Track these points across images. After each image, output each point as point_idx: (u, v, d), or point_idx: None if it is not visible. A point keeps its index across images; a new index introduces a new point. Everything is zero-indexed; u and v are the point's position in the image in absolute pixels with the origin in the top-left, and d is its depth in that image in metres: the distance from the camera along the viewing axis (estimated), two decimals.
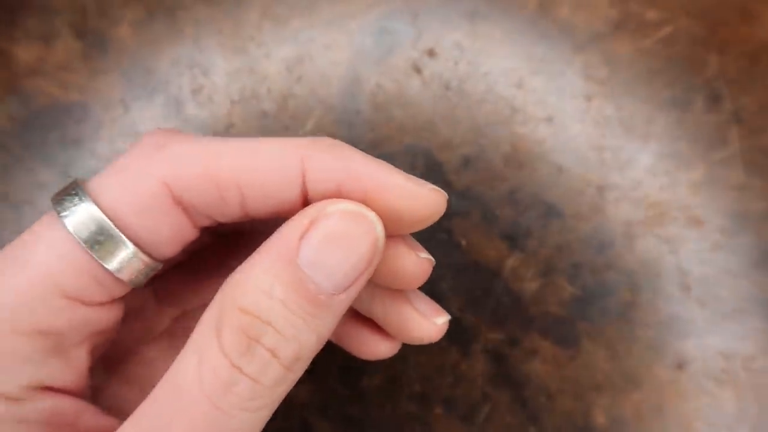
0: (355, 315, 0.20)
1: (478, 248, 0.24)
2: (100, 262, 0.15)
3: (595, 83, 0.25)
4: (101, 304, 0.16)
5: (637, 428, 0.23)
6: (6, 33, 0.25)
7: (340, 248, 0.14)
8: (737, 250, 0.24)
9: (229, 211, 0.16)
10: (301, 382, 0.23)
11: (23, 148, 0.25)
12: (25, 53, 0.25)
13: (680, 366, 0.24)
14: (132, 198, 0.15)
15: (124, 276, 0.15)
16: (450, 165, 0.25)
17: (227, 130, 0.25)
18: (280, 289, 0.14)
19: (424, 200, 0.15)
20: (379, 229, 0.15)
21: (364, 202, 0.15)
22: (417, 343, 0.19)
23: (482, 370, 0.24)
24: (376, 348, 0.19)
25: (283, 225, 0.15)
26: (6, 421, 0.15)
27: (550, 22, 0.25)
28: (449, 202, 0.24)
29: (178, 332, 0.20)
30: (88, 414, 0.16)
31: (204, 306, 0.19)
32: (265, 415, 0.14)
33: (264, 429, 0.15)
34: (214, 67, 0.25)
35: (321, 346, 0.15)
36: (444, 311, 0.19)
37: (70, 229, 0.15)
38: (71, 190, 0.15)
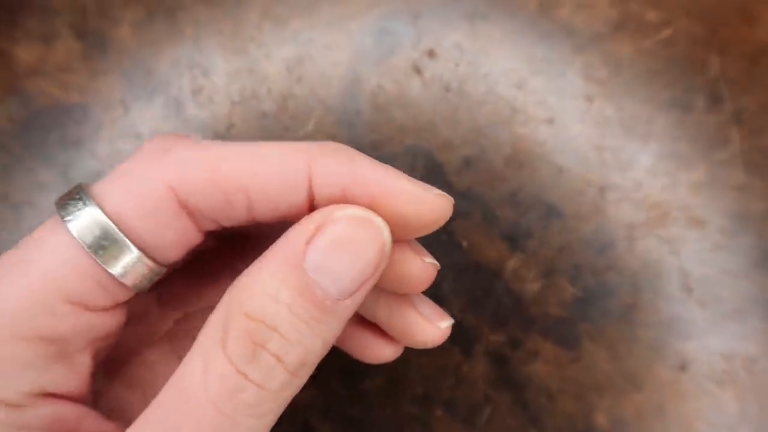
0: (359, 319, 0.20)
1: (479, 249, 0.24)
2: (105, 267, 0.15)
3: (595, 84, 0.25)
4: (105, 309, 0.16)
5: (638, 429, 0.23)
6: (6, 33, 0.25)
7: (347, 253, 0.14)
8: (738, 250, 0.24)
9: (234, 215, 0.16)
10: None
11: (23, 149, 0.25)
12: (25, 54, 0.25)
13: (681, 367, 0.23)
14: (137, 202, 0.15)
15: (129, 281, 0.15)
16: (451, 166, 0.25)
17: (227, 130, 0.25)
18: (287, 294, 0.14)
19: (431, 205, 0.15)
20: (386, 235, 0.15)
21: (371, 206, 0.15)
22: (420, 347, 0.19)
23: (483, 371, 0.24)
24: (380, 352, 0.19)
25: (289, 229, 0.15)
26: (7, 427, 0.14)
27: (550, 22, 0.25)
28: None
29: (180, 335, 0.19)
30: (90, 420, 0.16)
31: (206, 309, 0.19)
32: (270, 420, 0.14)
33: None
34: (214, 67, 0.25)
35: (326, 351, 0.15)
36: (447, 315, 0.19)
37: (74, 233, 0.14)
38: (75, 195, 0.15)
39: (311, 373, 0.15)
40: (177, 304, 0.20)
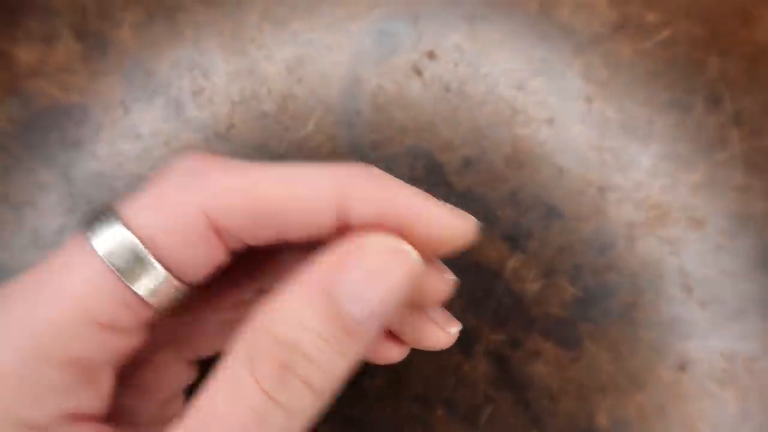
0: None
1: (480, 249, 0.24)
2: (133, 289, 0.15)
3: (595, 85, 0.25)
4: (130, 329, 0.16)
5: (639, 429, 0.23)
6: (7, 34, 0.25)
7: (377, 282, 0.14)
8: (738, 251, 0.24)
9: (264, 236, 0.16)
10: None
11: (24, 150, 0.25)
12: (25, 54, 0.25)
13: (682, 367, 0.23)
14: (167, 225, 0.15)
15: (155, 302, 0.15)
16: (451, 166, 0.25)
17: (227, 131, 0.25)
18: (316, 320, 0.14)
19: (460, 229, 0.16)
20: (418, 265, 0.15)
21: (401, 228, 0.15)
22: (428, 349, 0.19)
23: (484, 371, 0.24)
24: (389, 353, 0.20)
25: (319, 255, 0.15)
26: None
27: (550, 23, 0.25)
28: (450, 203, 0.24)
29: (185, 337, 0.19)
30: None
31: (214, 313, 0.19)
32: None
33: None
34: (214, 68, 0.25)
35: (351, 371, 0.15)
36: (456, 320, 0.19)
37: (103, 254, 0.14)
38: (103, 214, 0.15)
39: (336, 393, 0.15)
40: (183, 311, 0.20)
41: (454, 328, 0.19)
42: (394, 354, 0.20)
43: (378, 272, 0.14)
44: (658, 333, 0.24)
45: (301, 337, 0.14)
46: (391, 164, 0.25)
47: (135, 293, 0.15)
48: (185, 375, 0.19)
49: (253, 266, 0.19)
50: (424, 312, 0.18)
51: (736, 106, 0.24)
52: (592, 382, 0.24)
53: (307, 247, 0.16)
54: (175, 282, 0.15)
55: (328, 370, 0.14)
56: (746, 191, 0.24)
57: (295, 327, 0.14)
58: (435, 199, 0.16)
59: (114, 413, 0.17)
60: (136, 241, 0.14)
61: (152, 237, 0.15)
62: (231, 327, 0.19)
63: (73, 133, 0.25)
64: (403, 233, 0.15)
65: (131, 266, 0.14)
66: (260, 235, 0.16)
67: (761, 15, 0.25)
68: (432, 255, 0.16)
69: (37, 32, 0.25)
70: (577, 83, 0.25)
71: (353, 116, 0.25)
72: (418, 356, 0.24)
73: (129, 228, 0.15)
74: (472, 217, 0.16)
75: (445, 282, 0.17)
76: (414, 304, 0.18)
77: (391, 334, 0.19)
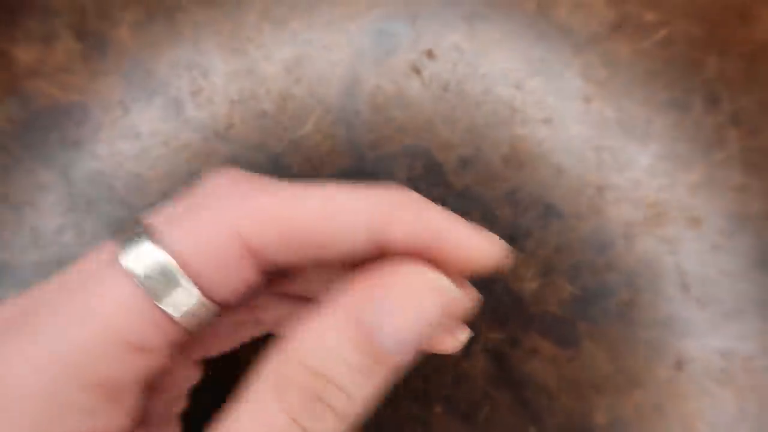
0: None
1: None
2: (166, 311, 0.14)
3: (594, 84, 0.25)
4: (159, 348, 0.15)
5: (637, 428, 0.23)
6: (6, 34, 0.25)
7: (413, 315, 0.14)
8: (736, 250, 0.24)
9: (296, 258, 0.16)
10: None
11: (23, 150, 0.25)
12: (25, 54, 0.25)
13: (680, 366, 0.23)
14: (201, 246, 0.15)
15: (185, 322, 0.15)
16: (449, 165, 0.25)
17: (226, 131, 0.25)
18: (348, 350, 0.14)
19: (491, 254, 0.16)
20: (452, 296, 0.15)
21: (433, 251, 0.15)
22: (436, 352, 0.19)
23: (483, 369, 0.24)
24: None
25: (351, 283, 0.15)
26: None
27: (548, 23, 0.25)
28: (449, 203, 0.24)
29: (195, 339, 0.19)
30: None
31: (223, 318, 0.19)
32: None
33: None
34: (213, 68, 0.25)
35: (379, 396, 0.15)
36: (467, 327, 0.19)
37: (135, 272, 0.14)
38: (136, 231, 0.15)
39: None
40: None
41: (464, 335, 0.19)
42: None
43: (414, 305, 0.14)
44: (656, 332, 0.24)
45: (331, 366, 0.14)
46: (389, 163, 0.25)
47: (166, 314, 0.15)
48: (192, 375, 0.19)
49: (282, 289, 0.19)
50: None
51: (735, 105, 0.25)
52: (591, 381, 0.24)
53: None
54: (207, 302, 0.15)
55: (356, 398, 0.14)
56: (744, 191, 0.24)
57: (325, 356, 0.14)
58: (466, 221, 0.16)
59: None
60: (170, 259, 0.14)
61: (184, 256, 0.14)
62: (243, 328, 0.19)
63: (72, 132, 0.25)
64: (434, 255, 0.15)
65: (163, 285, 0.14)
66: (294, 257, 0.15)
67: (759, 14, 0.25)
68: (461, 276, 0.16)
69: (37, 32, 0.25)
70: (576, 83, 0.25)
71: (352, 116, 0.25)
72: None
73: (162, 246, 0.14)
74: (503, 242, 0.16)
75: (469, 300, 0.17)
76: None
77: None
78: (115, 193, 0.25)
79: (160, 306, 0.14)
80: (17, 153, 0.25)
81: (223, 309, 0.16)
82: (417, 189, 0.25)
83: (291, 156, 0.25)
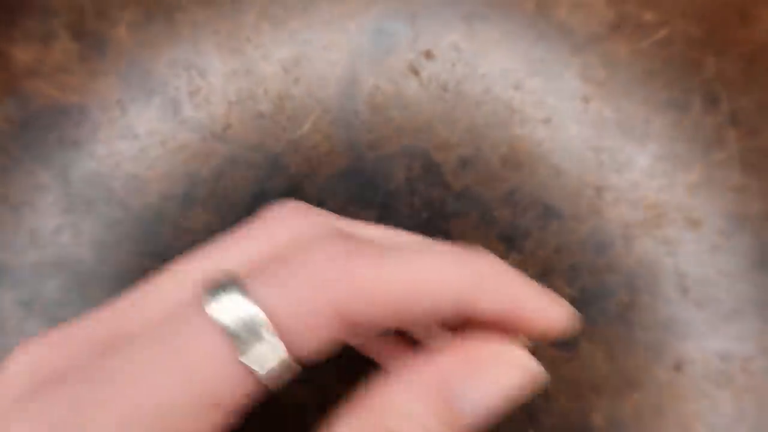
0: (402, 339, 0.20)
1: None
2: (257, 372, 0.14)
3: (593, 85, 0.25)
4: (242, 405, 0.15)
5: (635, 429, 0.23)
6: (4, 34, 0.25)
7: (498, 391, 0.15)
8: (735, 251, 0.24)
9: (381, 323, 0.16)
10: (299, 382, 0.23)
11: (22, 150, 0.25)
12: (23, 54, 0.25)
13: (679, 367, 0.23)
14: (295, 309, 0.14)
15: (267, 380, 0.15)
16: (448, 166, 0.25)
17: (224, 131, 0.25)
18: (429, 416, 0.15)
19: (566, 326, 0.17)
20: (535, 374, 0.16)
21: (512, 320, 0.16)
22: None
23: None
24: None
25: (439, 354, 0.15)
26: None
27: (547, 23, 0.25)
28: (447, 203, 0.24)
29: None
30: None
31: None
32: None
33: (260, 431, 0.15)
34: (211, 68, 0.25)
35: None
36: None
37: (224, 323, 0.14)
38: (228, 285, 0.14)
39: None
40: None
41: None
42: None
43: (501, 383, 0.15)
44: (655, 333, 0.24)
45: (410, 430, 0.14)
46: (388, 164, 0.25)
47: (249, 370, 0.14)
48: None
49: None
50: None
51: (733, 106, 0.24)
52: (589, 382, 0.24)
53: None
54: (291, 361, 0.15)
55: None
56: (743, 191, 0.24)
57: (406, 420, 0.14)
58: (542, 288, 0.17)
59: None
60: (260, 313, 0.14)
61: (275, 313, 0.14)
62: None
63: (71, 133, 0.25)
64: (512, 324, 0.16)
65: (249, 340, 0.14)
66: (380, 323, 0.16)
67: (758, 15, 0.25)
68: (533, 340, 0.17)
69: (35, 32, 0.25)
70: (575, 83, 0.25)
71: (350, 116, 0.25)
72: None
73: (252, 299, 0.14)
74: (573, 310, 0.17)
75: (546, 375, 0.18)
76: None
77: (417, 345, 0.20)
78: (113, 194, 0.25)
79: (245, 362, 0.14)
80: (15, 153, 0.25)
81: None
82: (415, 189, 0.24)
83: (290, 156, 0.25)
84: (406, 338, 0.20)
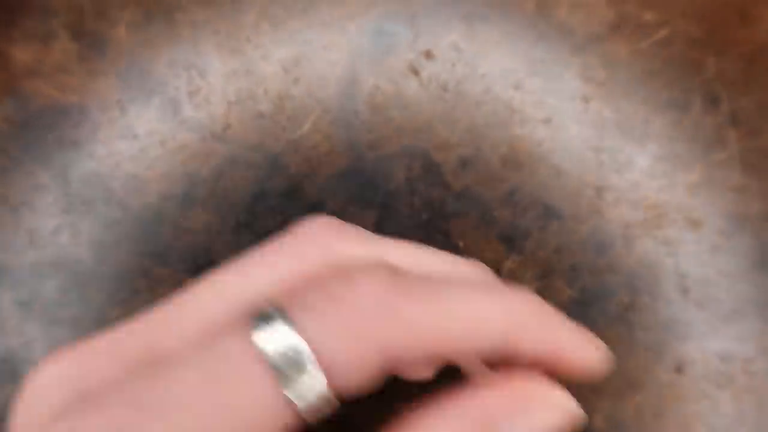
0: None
1: (476, 250, 0.24)
2: (297, 405, 0.14)
3: (593, 85, 0.25)
4: None
5: (636, 431, 0.23)
6: (3, 34, 0.25)
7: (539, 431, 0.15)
8: (736, 251, 0.24)
9: (425, 361, 0.16)
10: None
11: (21, 150, 0.25)
12: (22, 54, 0.25)
13: (679, 369, 0.23)
14: (343, 351, 0.14)
15: (310, 417, 0.15)
16: (448, 166, 0.25)
17: (224, 131, 0.25)
18: None
19: (602, 369, 0.17)
20: (575, 416, 0.16)
21: (552, 363, 0.16)
22: None
23: None
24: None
25: (483, 391, 0.16)
26: None
27: (547, 23, 0.25)
28: (447, 203, 0.24)
29: None
30: None
31: None
32: None
33: None
34: (210, 68, 0.25)
35: None
36: None
37: (268, 353, 0.14)
38: (275, 317, 0.14)
39: None
40: None
41: None
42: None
43: (543, 424, 0.15)
44: (655, 334, 0.24)
45: None
46: (388, 164, 0.25)
47: (295, 406, 0.14)
48: None
49: None
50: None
51: (734, 106, 0.24)
52: (590, 384, 0.24)
53: None
54: (331, 396, 0.15)
55: None
56: (743, 191, 0.24)
57: None
58: (582, 330, 0.17)
59: None
60: (309, 352, 0.14)
61: (322, 353, 0.14)
62: None
63: (70, 133, 0.25)
64: (552, 365, 0.16)
65: (292, 372, 0.14)
66: (425, 362, 0.16)
67: (759, 15, 0.25)
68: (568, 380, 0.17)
69: (34, 32, 0.25)
70: (575, 83, 0.25)
71: (350, 116, 0.25)
72: None
73: (297, 330, 0.14)
74: (608, 352, 0.17)
75: (584, 416, 0.19)
76: None
77: None
78: (112, 194, 0.25)
79: (288, 395, 0.14)
80: (15, 153, 0.25)
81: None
82: (415, 189, 0.24)
83: (289, 156, 0.25)
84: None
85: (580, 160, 0.25)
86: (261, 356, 0.14)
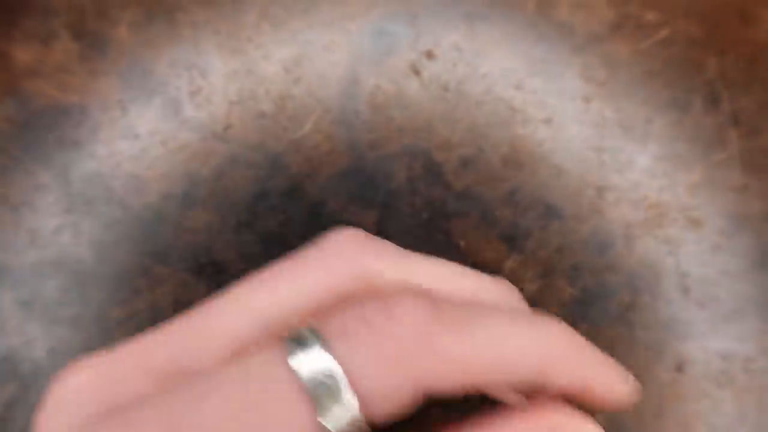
0: None
1: (477, 250, 0.24)
2: (330, 431, 0.14)
3: (594, 85, 0.25)
4: None
5: (637, 430, 0.23)
6: (4, 34, 0.25)
7: None
8: (736, 251, 0.24)
9: (458, 392, 0.16)
10: None
11: (22, 150, 0.25)
12: (23, 54, 0.25)
13: (680, 368, 0.23)
14: (379, 379, 0.14)
15: None
16: (449, 166, 0.25)
17: (225, 131, 0.25)
18: None
19: (629, 401, 0.17)
20: None
21: (580, 394, 0.16)
22: None
23: None
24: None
25: (520, 419, 0.16)
26: None
27: (548, 23, 0.25)
28: (448, 203, 0.24)
29: None
30: None
31: None
32: None
33: None
34: (212, 68, 0.25)
35: None
36: None
37: (303, 377, 0.14)
38: (312, 341, 0.14)
39: None
40: None
41: None
42: None
43: None
44: (656, 333, 0.24)
45: None
46: (389, 164, 0.25)
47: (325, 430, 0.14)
48: None
49: None
50: None
51: (734, 106, 0.24)
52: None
53: None
54: (366, 427, 0.15)
55: None
56: (744, 191, 0.24)
57: None
58: (612, 362, 0.17)
59: None
60: (345, 379, 0.14)
61: (357, 380, 0.14)
62: None
63: (71, 133, 0.25)
64: (582, 396, 0.16)
65: (327, 397, 0.14)
66: (458, 392, 0.16)
67: (760, 15, 0.25)
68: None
69: (35, 32, 0.25)
70: (576, 83, 0.25)
71: (351, 116, 0.25)
72: None
73: (334, 355, 0.14)
74: (635, 383, 0.17)
75: None
76: None
77: None
78: (113, 194, 0.25)
79: (322, 421, 0.14)
80: (16, 153, 0.25)
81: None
82: (416, 189, 0.24)
83: (290, 156, 0.25)
84: None
85: (581, 159, 0.25)
86: (296, 380, 0.14)
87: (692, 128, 0.25)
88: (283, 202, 0.24)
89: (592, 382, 0.16)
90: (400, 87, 0.25)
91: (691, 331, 0.24)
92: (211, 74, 0.25)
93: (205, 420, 0.13)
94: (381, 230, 0.24)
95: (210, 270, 0.24)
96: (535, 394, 0.17)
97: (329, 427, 0.14)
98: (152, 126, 0.25)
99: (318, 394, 0.14)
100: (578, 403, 0.17)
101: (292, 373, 0.14)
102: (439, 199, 0.24)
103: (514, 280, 0.24)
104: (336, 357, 0.14)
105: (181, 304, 0.24)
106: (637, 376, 0.23)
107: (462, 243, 0.24)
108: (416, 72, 0.25)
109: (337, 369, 0.14)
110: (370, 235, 0.17)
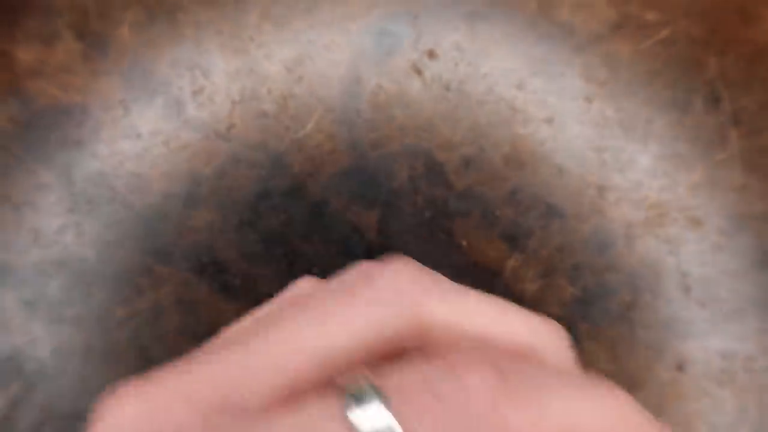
0: None
1: (479, 249, 0.24)
2: None
3: (595, 84, 0.25)
4: None
5: None
6: (7, 34, 0.25)
7: None
8: (737, 250, 0.24)
9: None
10: None
11: (24, 150, 0.25)
12: (26, 54, 0.25)
13: (680, 367, 0.23)
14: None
15: None
16: (450, 165, 0.25)
17: (228, 130, 0.25)
18: None
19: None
20: None
21: None
22: None
23: None
24: None
25: None
26: None
27: (549, 23, 0.25)
28: (450, 202, 0.24)
29: None
30: None
31: None
32: None
33: None
34: (214, 68, 0.25)
35: None
36: None
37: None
38: (373, 398, 0.14)
39: None
40: None
41: None
42: None
43: None
44: (657, 333, 0.24)
45: None
46: (390, 163, 0.25)
47: None
48: None
49: None
50: None
51: (735, 105, 0.25)
52: None
53: None
54: None
55: None
56: (745, 191, 0.24)
57: None
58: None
59: None
60: (398, 429, 0.14)
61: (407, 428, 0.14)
62: None
63: (73, 132, 0.25)
64: None
65: None
66: None
67: (760, 15, 0.25)
68: None
69: (38, 32, 0.25)
70: (577, 83, 0.25)
71: (353, 115, 0.25)
72: None
73: (394, 414, 0.14)
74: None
75: None
76: None
77: None
78: (116, 193, 0.25)
79: None
80: (18, 153, 0.25)
81: None
82: (418, 188, 0.25)
83: (292, 155, 0.25)
84: None
85: (582, 159, 0.25)
86: None
87: (693, 128, 0.25)
88: (285, 202, 0.25)
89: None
90: (401, 86, 0.25)
91: (692, 330, 0.24)
92: (213, 74, 0.25)
93: None
94: (383, 229, 0.24)
95: (212, 269, 0.24)
96: None
97: None
98: (154, 125, 0.25)
99: None
100: None
101: (353, 429, 0.14)
102: (441, 198, 0.25)
103: (516, 279, 0.24)
104: (397, 417, 0.14)
105: (183, 303, 0.24)
106: (638, 375, 0.24)
107: (464, 242, 0.24)
108: (418, 72, 0.25)
109: (398, 430, 0.14)
110: (423, 268, 0.16)
